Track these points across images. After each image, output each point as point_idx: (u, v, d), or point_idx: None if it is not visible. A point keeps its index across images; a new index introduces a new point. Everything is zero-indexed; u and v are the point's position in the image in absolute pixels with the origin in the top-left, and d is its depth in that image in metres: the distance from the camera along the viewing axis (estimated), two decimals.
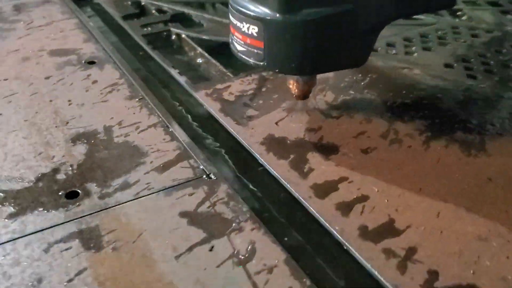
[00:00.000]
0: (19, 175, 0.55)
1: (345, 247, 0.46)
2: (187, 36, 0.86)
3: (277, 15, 0.52)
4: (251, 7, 0.53)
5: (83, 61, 0.78)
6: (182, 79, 0.73)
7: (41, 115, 0.65)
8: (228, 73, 0.75)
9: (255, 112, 0.65)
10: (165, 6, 0.98)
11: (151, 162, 0.56)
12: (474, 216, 0.48)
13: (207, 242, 0.46)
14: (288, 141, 0.59)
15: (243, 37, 0.55)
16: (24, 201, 0.51)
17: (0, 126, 0.63)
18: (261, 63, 0.55)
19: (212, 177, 0.54)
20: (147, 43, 0.84)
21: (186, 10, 0.96)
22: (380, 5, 0.54)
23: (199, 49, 0.83)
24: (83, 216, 0.49)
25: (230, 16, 0.57)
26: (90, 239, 0.47)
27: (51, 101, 0.68)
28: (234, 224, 0.48)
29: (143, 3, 1.01)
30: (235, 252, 0.45)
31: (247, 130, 0.61)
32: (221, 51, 0.82)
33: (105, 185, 0.53)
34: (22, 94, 0.70)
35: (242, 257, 0.45)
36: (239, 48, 0.57)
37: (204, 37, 0.86)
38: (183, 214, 0.49)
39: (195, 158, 0.57)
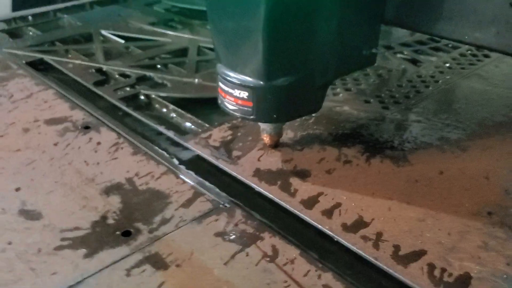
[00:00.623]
0: (75, 225, 0.70)
1: (335, 239, 0.67)
2: (157, 95, 1.04)
3: (262, 83, 0.73)
4: (242, 78, 0.73)
5: (79, 126, 0.93)
6: (170, 133, 0.91)
7: (67, 176, 0.80)
8: (205, 124, 0.94)
9: (239, 152, 0.85)
10: (127, 71, 1.14)
11: (176, 201, 0.74)
12: (412, 206, 0.72)
13: (243, 250, 0.65)
14: (272, 171, 0.80)
15: (235, 100, 0.76)
16: (91, 243, 0.67)
17: (37, 189, 0.77)
18: (251, 117, 0.76)
19: (227, 205, 0.73)
20: (126, 105, 1.01)
21: (146, 72, 1.14)
22: (326, 69, 0.77)
23: (172, 106, 1.01)
24: (144, 247, 0.66)
25: (221, 84, 0.77)
26: (157, 262, 0.64)
27: (69, 163, 0.83)
28: (256, 235, 0.67)
29: (104, 69, 1.16)
30: (265, 253, 0.65)
31: (238, 167, 0.81)
32: (188, 106, 1.01)
33: (149, 222, 0.70)
34: (40, 161, 0.84)
35: (271, 256, 0.64)
36: (231, 107, 0.77)
37: (172, 95, 1.04)
38: (217, 234, 0.68)
39: (208, 194, 0.75)
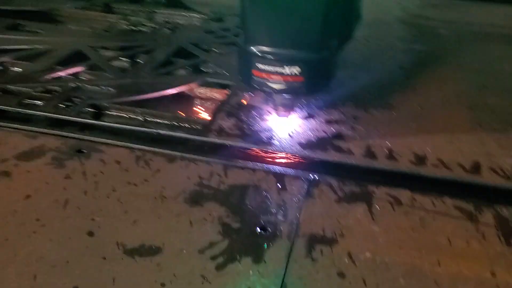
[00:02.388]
0: (209, 241, 0.63)
1: (413, 173, 0.78)
2: (113, 102, 0.93)
3: (315, 56, 0.76)
4: (293, 54, 0.75)
5: (70, 152, 0.78)
6: (180, 133, 0.85)
7: (130, 203, 0.68)
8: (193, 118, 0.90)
9: (267, 133, 0.86)
10: (46, 86, 0.97)
11: (269, 188, 0.73)
12: (435, 134, 0.87)
13: (372, 204, 0.71)
14: (313, 141, 0.84)
15: (284, 77, 0.77)
16: (244, 250, 0.62)
17: (114, 227, 0.65)
18: (301, 91, 0.78)
19: (316, 177, 0.76)
20: (90, 118, 0.88)
21: (72, 83, 0.99)
22: (344, 38, 0.85)
23: (139, 109, 0.92)
24: (297, 232, 0.65)
25: (263, 66, 0.77)
26: (323, 239, 0.64)
27: (114, 191, 0.71)
28: (366, 191, 0.73)
29: (11, 89, 0.96)
30: (389, 201, 0.71)
31: (283, 146, 0.83)
32: (149, 106, 0.94)
33: (270, 212, 0.68)
34: (76, 198, 0.69)
35: (393, 202, 0.71)
36: (278, 87, 0.78)
37: (137, 98, 0.95)
38: (337, 200, 0.71)
39: (288, 174, 0.76)
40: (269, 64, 0.76)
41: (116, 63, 1.11)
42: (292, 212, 0.68)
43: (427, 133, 0.88)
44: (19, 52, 1.11)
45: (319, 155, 0.81)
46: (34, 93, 0.95)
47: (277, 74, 0.77)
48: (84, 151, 0.79)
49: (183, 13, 1.40)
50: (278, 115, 0.87)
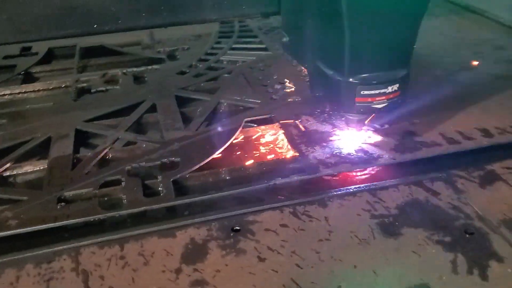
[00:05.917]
0: None
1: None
2: None
3: (406, 70, 0.83)
4: (392, 74, 0.82)
5: (229, 231, 0.72)
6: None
7: (342, 249, 0.68)
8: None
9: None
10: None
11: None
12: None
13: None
14: (397, 144, 0.91)
15: (386, 96, 0.83)
16: None
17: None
18: (399, 103, 0.85)
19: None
20: None
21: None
22: None
23: None
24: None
25: (366, 92, 0.82)
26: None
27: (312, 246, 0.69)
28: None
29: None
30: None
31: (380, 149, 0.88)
32: None
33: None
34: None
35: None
36: (380, 106, 0.83)
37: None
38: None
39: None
40: (375, 89, 0.81)
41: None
42: (468, 209, 0.75)
43: (466, 116, 1.00)
44: (16, 152, 0.92)
45: (419, 155, 0.87)
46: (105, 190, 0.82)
47: (381, 95, 0.82)
48: (238, 228, 0.73)
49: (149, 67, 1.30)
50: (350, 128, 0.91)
